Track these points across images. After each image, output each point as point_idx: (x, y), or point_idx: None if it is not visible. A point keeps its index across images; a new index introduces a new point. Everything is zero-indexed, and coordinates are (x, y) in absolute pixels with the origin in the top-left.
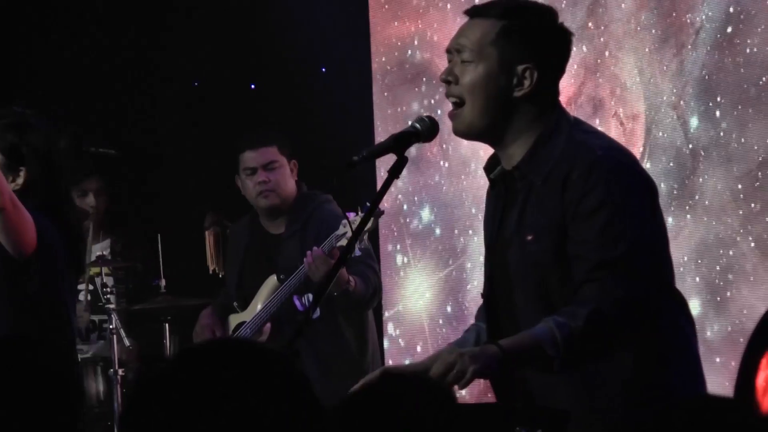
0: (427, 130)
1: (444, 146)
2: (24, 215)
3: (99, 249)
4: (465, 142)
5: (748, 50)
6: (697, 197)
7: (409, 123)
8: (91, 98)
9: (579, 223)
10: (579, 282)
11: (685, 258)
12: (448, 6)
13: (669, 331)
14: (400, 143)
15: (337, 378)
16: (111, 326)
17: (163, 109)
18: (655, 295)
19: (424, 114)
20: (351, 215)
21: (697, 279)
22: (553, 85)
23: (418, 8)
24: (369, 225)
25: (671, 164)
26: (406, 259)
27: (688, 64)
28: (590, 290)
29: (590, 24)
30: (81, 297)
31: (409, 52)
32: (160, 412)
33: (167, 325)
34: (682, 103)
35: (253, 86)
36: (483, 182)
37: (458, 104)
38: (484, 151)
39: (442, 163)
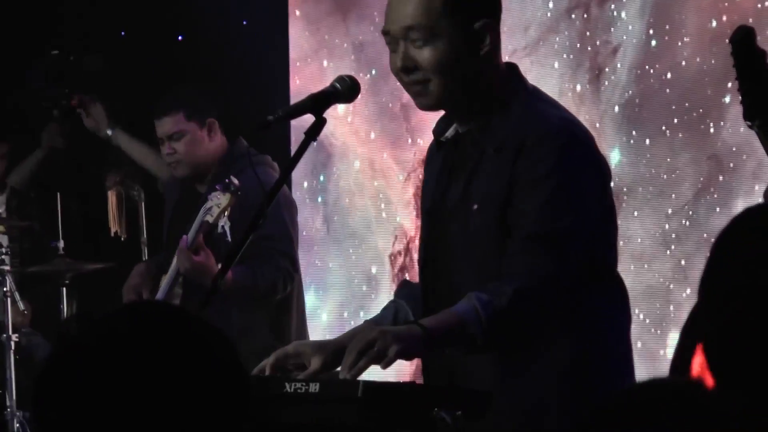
0: (347, 91)
1: (330, 218)
2: None
3: None
4: (352, 211)
5: (676, 63)
6: (622, 243)
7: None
8: (14, 46)
9: (522, 191)
10: (511, 252)
11: None
12: None
13: (605, 317)
14: (318, 103)
15: (248, 354)
16: (5, 289)
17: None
18: (587, 277)
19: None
20: (219, 187)
21: None
22: (499, 36)
23: None
24: (226, 202)
25: None
26: None
27: (607, 90)
28: (520, 264)
29: None
30: None
31: None
32: (78, 384)
33: (65, 289)
34: (600, 135)
35: (180, 38)
36: (373, 256)
37: (424, 82)
38: (376, 220)
39: (328, 238)
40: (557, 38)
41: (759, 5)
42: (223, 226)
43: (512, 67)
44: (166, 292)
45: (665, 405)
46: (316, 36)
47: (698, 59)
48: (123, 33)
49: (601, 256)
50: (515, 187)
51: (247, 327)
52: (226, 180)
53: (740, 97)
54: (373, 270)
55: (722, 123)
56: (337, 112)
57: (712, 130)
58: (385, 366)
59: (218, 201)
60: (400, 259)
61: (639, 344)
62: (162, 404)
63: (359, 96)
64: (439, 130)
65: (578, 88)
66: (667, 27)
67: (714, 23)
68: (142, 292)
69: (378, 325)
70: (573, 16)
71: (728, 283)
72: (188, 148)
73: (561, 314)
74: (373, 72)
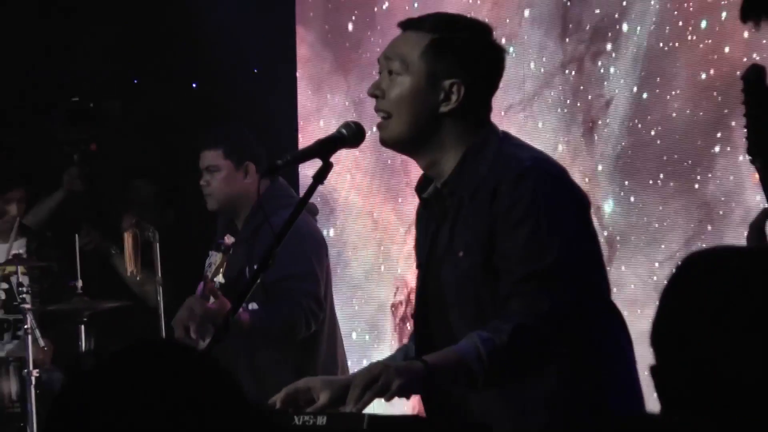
0: (353, 136)
1: (333, 270)
2: None
3: (15, 248)
4: (354, 263)
5: (666, 115)
6: (615, 290)
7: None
8: (33, 94)
9: (504, 235)
10: (504, 296)
11: None
12: None
13: (601, 345)
14: (325, 148)
15: (273, 392)
16: (26, 326)
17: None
18: (582, 308)
19: (350, 120)
20: (214, 248)
21: None
22: (483, 102)
23: None
24: (219, 261)
25: None
26: None
27: (600, 143)
28: (515, 304)
29: None
30: None
31: None
32: (87, 416)
33: (83, 326)
34: (594, 186)
35: (195, 85)
36: (375, 307)
37: (386, 117)
38: (377, 272)
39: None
40: (551, 93)
41: (745, 59)
42: (219, 282)
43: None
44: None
45: None
46: (318, 95)
47: (688, 111)
48: (135, 81)
49: (591, 280)
50: (496, 230)
51: (271, 364)
52: (219, 241)
53: (746, 133)
54: (376, 320)
55: (711, 173)
56: (339, 167)
57: (700, 179)
58: (389, 399)
59: (214, 259)
60: (401, 309)
61: None
62: None
63: (361, 153)
64: (421, 188)
65: (572, 141)
66: (658, 80)
67: (703, 76)
68: (189, 326)
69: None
70: (567, 71)
71: (675, 329)
72: (220, 184)
73: (560, 345)
74: (374, 129)
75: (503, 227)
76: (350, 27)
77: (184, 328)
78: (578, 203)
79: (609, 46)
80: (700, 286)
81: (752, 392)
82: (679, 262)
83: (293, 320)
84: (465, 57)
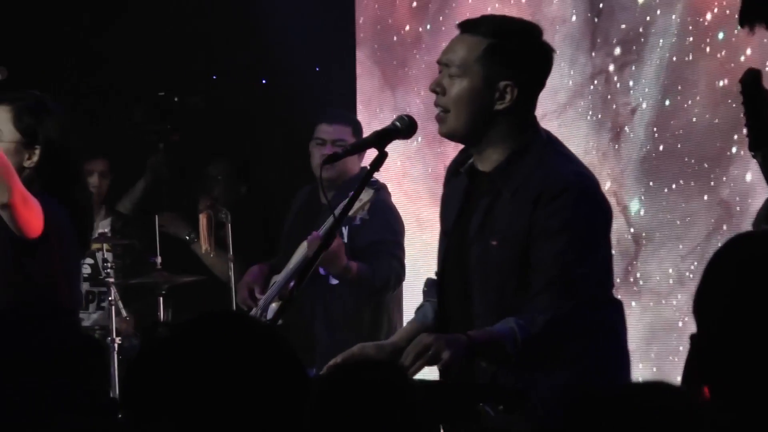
0: (406, 128)
1: None
2: (32, 207)
3: (101, 227)
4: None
5: (687, 120)
6: (641, 282)
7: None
8: (122, 88)
9: (543, 240)
10: (536, 291)
11: (634, 346)
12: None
13: (608, 338)
14: (381, 139)
15: (346, 347)
16: (110, 298)
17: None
18: (597, 309)
19: (404, 114)
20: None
21: (647, 366)
22: (532, 99)
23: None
24: (367, 198)
25: (613, 252)
26: None
27: (627, 147)
28: (546, 300)
29: None
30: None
31: None
32: (157, 379)
33: (162, 298)
34: (622, 187)
35: (264, 81)
36: (419, 300)
37: (445, 112)
38: (422, 268)
39: None
40: (582, 102)
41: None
42: (361, 218)
43: (531, 121)
44: (281, 285)
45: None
46: (368, 109)
47: (707, 116)
48: (215, 77)
49: (606, 285)
50: (534, 234)
51: (344, 319)
52: (372, 180)
53: (746, 130)
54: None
55: (728, 173)
56: (390, 174)
57: (719, 179)
58: (444, 368)
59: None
60: None
61: (655, 369)
62: (227, 395)
63: (409, 161)
64: (460, 159)
65: (601, 146)
66: (680, 88)
67: (720, 84)
68: (254, 288)
69: (422, 324)
70: (596, 82)
71: (718, 300)
72: None
73: (579, 338)
74: (419, 139)
75: (543, 233)
76: (397, 46)
77: (248, 290)
78: (606, 217)
79: (634, 58)
80: (746, 263)
81: None
82: (726, 241)
83: (388, 277)
84: (518, 60)
